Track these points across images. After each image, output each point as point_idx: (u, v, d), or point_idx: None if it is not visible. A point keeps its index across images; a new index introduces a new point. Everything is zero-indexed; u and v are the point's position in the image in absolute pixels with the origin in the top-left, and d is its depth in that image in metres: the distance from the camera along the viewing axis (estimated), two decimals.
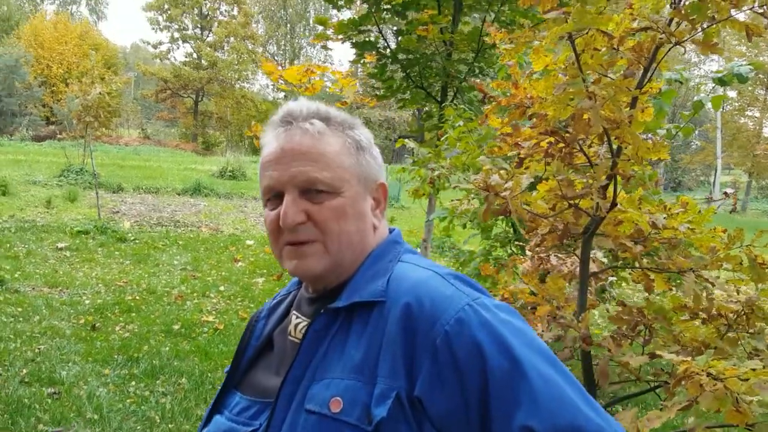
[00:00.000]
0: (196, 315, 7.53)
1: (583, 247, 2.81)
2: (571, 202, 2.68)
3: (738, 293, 2.94)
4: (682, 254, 2.85)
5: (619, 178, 2.69)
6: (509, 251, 6.72)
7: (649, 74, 2.72)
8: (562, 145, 2.75)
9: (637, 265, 2.99)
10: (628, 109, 2.71)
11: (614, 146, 2.72)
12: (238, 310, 7.85)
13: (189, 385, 5.53)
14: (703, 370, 2.08)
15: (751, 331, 2.81)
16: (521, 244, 6.28)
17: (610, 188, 2.68)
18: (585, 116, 2.68)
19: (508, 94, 3.11)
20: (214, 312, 7.74)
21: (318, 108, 1.30)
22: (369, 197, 1.31)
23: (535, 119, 2.80)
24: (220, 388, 1.37)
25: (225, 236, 12.74)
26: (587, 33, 2.56)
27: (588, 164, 2.82)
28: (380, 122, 40.84)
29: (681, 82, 3.68)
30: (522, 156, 2.59)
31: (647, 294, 3.01)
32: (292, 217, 1.21)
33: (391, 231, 1.38)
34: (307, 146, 1.24)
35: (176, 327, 7.04)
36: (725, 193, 3.79)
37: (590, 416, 1.06)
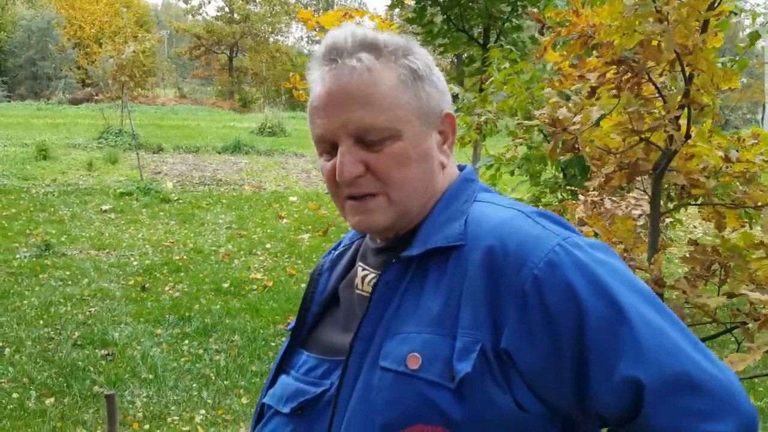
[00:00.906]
0: (244, 273, 7.52)
1: (654, 184, 2.63)
2: (642, 136, 2.50)
3: None
4: (758, 188, 2.66)
5: (691, 108, 2.50)
6: (560, 197, 6.52)
7: None
8: (629, 75, 2.55)
9: (708, 201, 2.81)
10: (699, 33, 2.50)
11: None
12: (286, 267, 7.84)
13: (242, 342, 5.53)
14: None
15: None
16: (573, 188, 6.07)
17: (682, 121, 2.49)
18: (654, 42, 2.48)
19: (567, 23, 2.89)
20: (261, 269, 7.73)
21: (365, 36, 1.13)
22: (434, 133, 1.15)
23: (599, 49, 2.59)
24: (284, 346, 1.28)
25: (268, 193, 12.71)
26: None
27: (657, 95, 2.63)
28: None
29: (736, 13, 3.41)
30: (594, 85, 2.39)
31: (717, 232, 2.84)
32: (349, 171, 1.08)
33: (461, 168, 1.24)
34: (357, 87, 1.09)
35: (225, 285, 7.04)
36: None
37: (702, 364, 0.95)
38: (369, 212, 1.11)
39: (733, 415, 0.93)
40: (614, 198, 3.24)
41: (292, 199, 12.07)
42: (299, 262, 8.10)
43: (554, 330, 0.98)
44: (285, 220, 10.35)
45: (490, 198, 1.18)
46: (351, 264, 1.27)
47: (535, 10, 8.60)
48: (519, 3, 8.45)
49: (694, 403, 0.93)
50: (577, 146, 2.23)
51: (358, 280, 1.20)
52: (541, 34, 2.86)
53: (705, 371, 0.94)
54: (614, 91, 2.51)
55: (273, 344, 5.49)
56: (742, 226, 2.84)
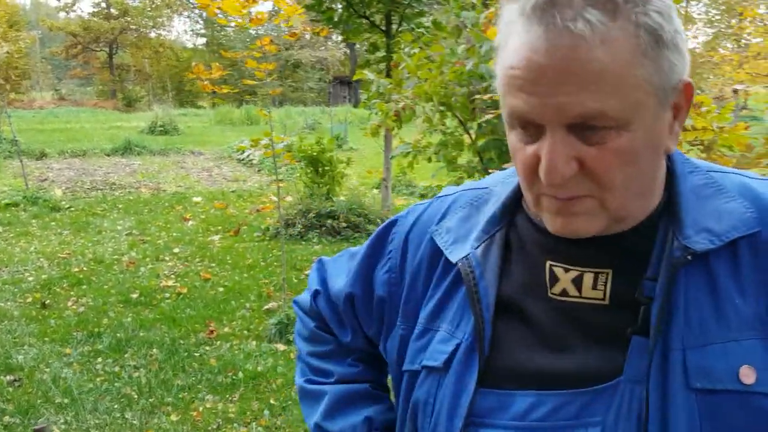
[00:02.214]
0: (153, 281, 7.11)
1: None
2: None
3: None
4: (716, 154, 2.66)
5: None
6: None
7: None
8: None
9: None
10: None
11: None
12: (199, 271, 7.47)
13: (162, 356, 5.19)
14: None
15: None
16: (491, 171, 6.05)
17: None
18: None
19: None
20: (173, 276, 7.34)
21: None
22: (668, 110, 0.87)
23: None
24: (446, 395, 0.96)
25: (168, 195, 12.16)
26: None
27: None
28: (312, 63, 39.90)
29: None
30: None
31: None
32: (561, 171, 0.82)
33: None
34: (582, 60, 0.78)
35: (134, 296, 6.63)
36: (734, 90, 3.58)
37: None
38: (574, 216, 0.87)
39: None
40: None
41: (196, 199, 11.59)
42: (213, 264, 7.75)
43: None
44: (191, 222, 9.91)
45: (713, 166, 0.99)
46: (503, 262, 0.99)
47: None
48: None
49: None
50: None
51: (564, 285, 0.93)
52: (485, 6, 2.73)
53: None
54: None
55: (196, 355, 5.18)
56: None
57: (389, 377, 1.17)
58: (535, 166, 0.85)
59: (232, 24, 5.89)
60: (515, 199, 1.02)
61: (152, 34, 46.91)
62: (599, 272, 0.91)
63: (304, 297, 1.27)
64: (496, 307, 0.96)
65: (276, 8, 5.78)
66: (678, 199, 0.91)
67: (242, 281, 7.11)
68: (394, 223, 1.16)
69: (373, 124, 5.45)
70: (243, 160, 15.28)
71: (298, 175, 10.32)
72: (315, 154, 9.49)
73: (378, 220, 8.94)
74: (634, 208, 0.90)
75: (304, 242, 8.63)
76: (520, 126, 0.85)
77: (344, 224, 8.92)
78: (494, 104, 5.60)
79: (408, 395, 1.03)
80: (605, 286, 0.91)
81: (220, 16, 5.53)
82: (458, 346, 0.96)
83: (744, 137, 2.35)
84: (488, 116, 4.50)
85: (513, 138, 0.88)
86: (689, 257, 0.86)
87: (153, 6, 45.41)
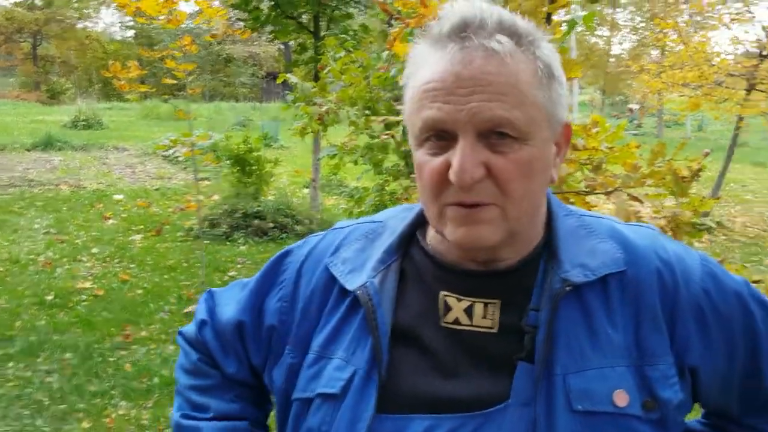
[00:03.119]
0: (69, 282, 6.92)
1: None
2: None
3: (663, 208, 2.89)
4: (604, 174, 2.76)
5: None
6: (404, 184, 6.57)
7: None
8: None
9: (563, 188, 2.88)
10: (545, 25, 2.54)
11: None
12: (117, 272, 7.31)
13: (75, 360, 5.07)
14: None
15: None
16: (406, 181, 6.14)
17: None
18: None
19: (415, 14, 2.84)
20: (90, 277, 7.15)
21: (501, 16, 0.93)
22: (553, 144, 0.99)
23: None
24: (340, 420, 0.99)
25: (89, 192, 11.82)
26: None
27: None
28: (245, 58, 39.35)
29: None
30: None
31: None
32: (471, 173, 0.89)
33: None
34: (494, 74, 0.89)
35: (49, 297, 6.44)
36: (630, 109, 3.74)
37: None
38: (479, 224, 0.93)
39: None
40: None
41: (117, 197, 11.31)
42: (132, 266, 7.59)
43: (730, 335, 1.02)
44: (111, 221, 9.67)
45: (583, 212, 1.11)
46: (398, 292, 1.04)
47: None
48: None
49: None
50: None
51: (457, 314, 1.00)
52: (389, 25, 2.78)
53: None
54: None
55: (111, 359, 5.08)
56: (589, 210, 2.93)
57: (271, 413, 1.20)
58: (444, 173, 0.91)
59: (153, 24, 5.78)
60: (410, 232, 1.10)
61: (79, 26, 45.49)
62: (489, 302, 0.99)
63: (190, 328, 1.26)
64: (392, 335, 1.01)
65: (198, 9, 5.71)
66: (556, 238, 1.01)
67: (162, 283, 6.99)
68: (288, 253, 1.19)
69: (298, 126, 5.45)
70: (168, 156, 14.96)
71: (224, 174, 10.20)
72: (242, 153, 9.39)
73: (306, 221, 8.92)
74: (522, 228, 0.98)
75: (229, 243, 8.54)
76: (434, 136, 0.93)
77: (271, 225, 8.86)
78: None
79: (298, 424, 1.06)
80: (494, 315, 0.99)
81: (139, 15, 5.41)
82: (355, 373, 1.00)
83: (632, 156, 2.46)
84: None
85: (421, 154, 0.95)
86: (568, 288, 0.96)
87: None
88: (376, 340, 0.99)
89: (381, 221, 1.14)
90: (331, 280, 1.09)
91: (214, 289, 1.29)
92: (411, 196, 4.71)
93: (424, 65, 0.94)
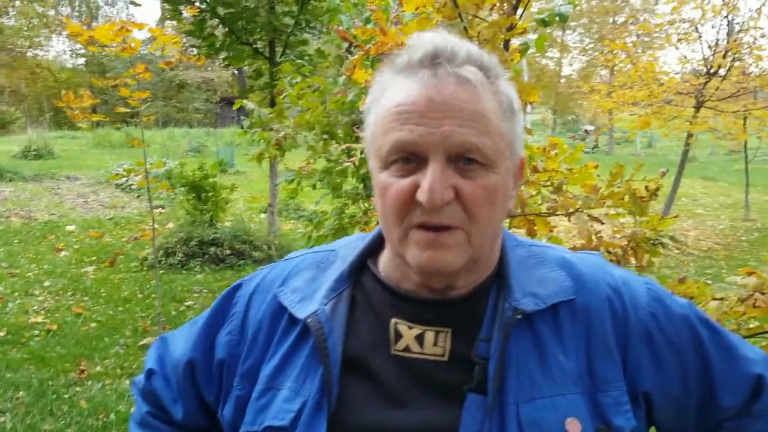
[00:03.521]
0: (21, 317, 6.72)
1: None
2: None
3: (623, 228, 2.93)
4: (565, 195, 2.78)
5: None
6: (363, 207, 6.57)
7: (520, 14, 2.59)
8: None
9: (525, 211, 2.90)
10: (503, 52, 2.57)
11: None
12: (71, 306, 7.12)
13: (29, 398, 4.90)
14: None
15: (637, 263, 2.80)
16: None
17: None
18: None
19: (374, 42, 2.84)
20: (42, 311, 6.96)
21: (470, 49, 0.96)
22: (511, 175, 1.01)
23: None
24: None
25: (40, 224, 11.52)
26: None
27: None
28: (198, 84, 39.08)
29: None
30: None
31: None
32: (442, 193, 0.90)
33: None
34: (465, 101, 0.92)
35: (1, 334, 6.24)
36: (585, 131, 3.79)
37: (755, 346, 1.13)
38: (444, 248, 0.93)
39: None
40: None
41: (69, 228, 11.05)
42: (86, 298, 7.41)
43: (681, 359, 1.03)
44: (64, 253, 9.44)
45: (535, 242, 1.14)
46: (349, 320, 1.03)
47: (318, 25, 8.61)
48: (302, 17, 8.40)
49: None
50: None
51: (407, 342, 1.00)
52: (349, 52, 2.78)
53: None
54: None
55: (66, 396, 4.93)
56: (551, 231, 2.95)
57: None
58: (411, 195, 0.92)
59: (108, 52, 5.70)
60: (362, 260, 1.09)
61: (29, 54, 44.73)
62: (440, 331, 0.99)
63: (141, 377, 1.24)
64: (342, 364, 0.99)
65: (152, 36, 5.66)
66: (507, 268, 1.02)
67: (117, 315, 6.84)
68: (238, 287, 1.17)
69: (255, 152, 5.42)
70: (122, 185, 14.69)
71: (180, 201, 10.05)
72: (197, 180, 9.28)
73: (264, 246, 8.82)
74: (483, 254, 0.99)
75: (185, 271, 8.40)
76: (401, 159, 0.93)
77: (228, 251, 8.75)
78: None
79: None
80: (445, 343, 0.98)
81: (92, 44, 5.33)
82: (304, 404, 0.98)
83: (591, 178, 2.49)
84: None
85: (386, 176, 0.95)
86: (519, 317, 0.96)
87: (30, 26, 43.31)
88: (327, 369, 0.98)
89: (333, 250, 1.14)
90: (280, 309, 1.07)
91: (166, 334, 1.26)
92: (371, 219, 4.69)
93: (393, 90, 0.95)
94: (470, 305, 1.00)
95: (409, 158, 0.93)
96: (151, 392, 1.20)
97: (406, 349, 0.99)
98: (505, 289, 0.99)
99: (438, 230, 0.92)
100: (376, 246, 1.09)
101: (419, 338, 0.99)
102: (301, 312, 1.04)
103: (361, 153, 4.66)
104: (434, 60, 0.93)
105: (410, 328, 1.00)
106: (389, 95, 0.95)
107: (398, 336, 1.00)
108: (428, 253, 0.93)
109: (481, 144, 0.91)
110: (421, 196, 0.90)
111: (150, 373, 1.20)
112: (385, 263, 1.07)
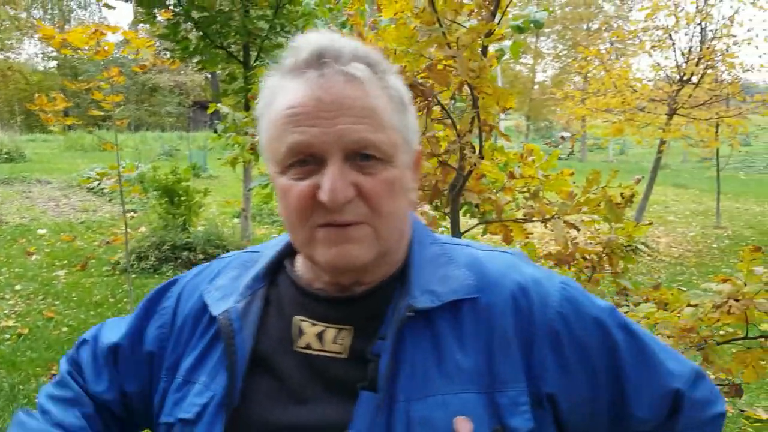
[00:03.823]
0: None
1: (452, 204, 2.67)
2: (441, 159, 2.52)
3: (598, 235, 2.95)
4: (541, 201, 2.80)
5: (481, 130, 2.56)
6: None
7: (498, 20, 2.60)
8: (420, 99, 2.56)
9: (498, 218, 2.91)
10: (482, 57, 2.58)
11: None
12: (42, 310, 7.03)
13: (0, 403, 4.82)
14: None
15: (612, 270, 2.82)
16: None
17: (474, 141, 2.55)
18: (440, 67, 2.51)
19: None
20: (13, 315, 6.86)
21: (356, 46, 0.96)
22: (409, 168, 1.02)
23: None
24: None
25: (11, 227, 11.34)
26: None
27: (446, 118, 2.67)
28: (171, 88, 38.80)
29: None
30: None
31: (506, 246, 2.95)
32: (343, 192, 0.91)
33: None
34: (355, 97, 0.92)
35: None
36: (562, 137, 3.82)
37: (686, 359, 1.10)
38: (351, 242, 0.94)
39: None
40: None
41: (40, 231, 10.89)
42: (57, 302, 7.31)
43: (590, 362, 1.00)
44: (35, 257, 9.30)
45: (452, 239, 1.13)
46: (262, 318, 1.05)
47: (292, 29, 8.60)
48: (277, 21, 8.39)
49: (706, 387, 1.08)
50: None
51: (309, 339, 1.01)
52: None
53: (692, 362, 1.10)
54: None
55: (37, 401, 4.85)
56: (527, 237, 2.97)
57: None
58: (313, 196, 0.92)
59: (81, 55, 5.65)
60: (279, 260, 1.11)
61: (0, 57, 44.11)
62: (342, 328, 1.00)
63: (72, 349, 1.26)
64: (251, 362, 1.01)
65: (125, 39, 5.61)
66: (411, 266, 1.02)
67: (88, 320, 6.74)
68: (174, 282, 1.19)
69: (229, 156, 5.39)
70: (93, 189, 14.53)
71: (152, 205, 9.95)
72: (170, 184, 9.20)
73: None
74: (391, 247, 1.00)
75: (157, 276, 8.32)
76: (299, 161, 0.93)
77: (201, 256, 8.68)
78: None
79: None
80: (345, 341, 0.99)
81: (66, 47, 5.27)
82: (212, 398, 1.00)
83: (567, 184, 2.51)
84: None
85: (285, 180, 0.95)
86: (410, 314, 0.96)
87: (2, 28, 42.72)
88: (232, 366, 0.99)
89: (260, 251, 1.16)
90: (204, 306, 1.09)
91: (109, 319, 1.28)
92: None
93: (282, 94, 0.95)
94: (373, 303, 1.01)
95: (306, 160, 0.93)
96: (76, 359, 1.21)
97: (308, 346, 1.00)
98: (405, 288, 0.99)
99: (344, 226, 0.93)
100: (293, 246, 1.09)
101: (320, 335, 1.00)
102: (217, 309, 1.06)
103: None
104: (320, 59, 0.93)
105: (313, 325, 1.01)
106: (280, 99, 0.95)
107: (300, 333, 1.01)
108: (336, 249, 0.94)
109: (376, 140, 0.93)
110: (323, 196, 0.91)
111: (82, 343, 1.22)
112: (301, 263, 1.09)
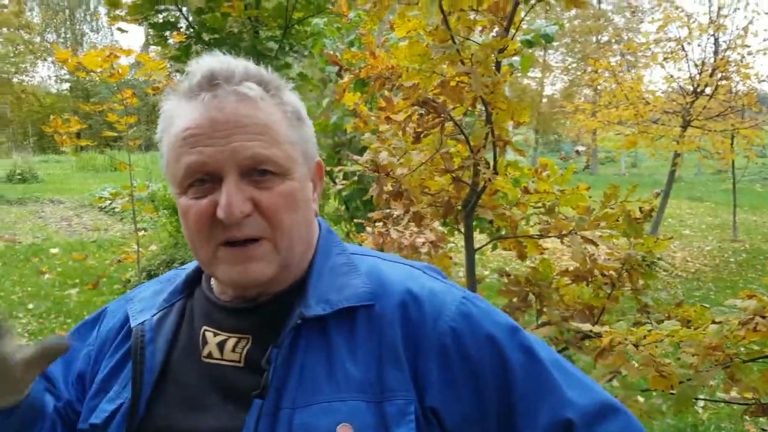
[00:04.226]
0: None
1: (465, 220, 2.64)
2: (454, 175, 2.49)
3: (617, 250, 2.90)
4: (557, 217, 2.76)
5: (495, 145, 2.54)
6: (345, 228, 6.55)
7: (512, 34, 2.58)
8: (433, 115, 2.53)
9: (512, 234, 2.87)
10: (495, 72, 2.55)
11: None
12: (54, 328, 7.03)
13: None
14: (625, 339, 1.99)
15: (632, 286, 2.77)
16: (359, 221, 6.15)
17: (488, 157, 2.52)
18: (453, 83, 2.49)
19: (364, 65, 2.82)
20: (26, 334, 6.86)
21: (247, 67, 1.00)
22: (310, 180, 1.07)
23: (402, 91, 2.54)
24: None
25: (24, 247, 11.41)
26: None
27: (459, 134, 2.64)
28: None
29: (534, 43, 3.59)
30: (418, 130, 2.32)
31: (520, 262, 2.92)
32: (240, 207, 0.93)
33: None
34: (249, 116, 0.96)
35: None
36: (576, 152, 3.78)
37: (601, 390, 1.04)
38: (252, 261, 0.97)
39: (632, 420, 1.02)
40: (398, 228, 3.24)
41: (53, 251, 10.94)
42: (69, 321, 7.31)
43: (478, 380, 0.98)
44: (47, 276, 9.32)
45: (364, 251, 1.14)
46: (176, 329, 1.09)
47: (301, 49, 8.63)
48: (286, 41, 8.44)
49: (615, 425, 0.99)
50: (403, 190, 2.13)
51: (211, 348, 1.04)
52: (339, 76, 2.76)
53: (609, 396, 1.02)
54: (426, 131, 2.48)
55: None
56: (542, 253, 2.92)
57: None
58: (212, 214, 0.95)
59: (94, 77, 5.70)
60: (197, 273, 1.16)
61: (14, 80, 44.57)
62: (241, 337, 1.03)
63: None
64: (162, 371, 1.04)
65: (137, 61, 5.64)
66: (310, 275, 1.04)
67: None
68: (106, 306, 1.24)
69: None
70: (105, 208, 14.63)
71: (162, 224, 9.98)
72: None
73: None
74: (294, 258, 1.01)
75: None
76: (197, 181, 0.96)
77: None
78: (361, 152, 5.66)
79: None
80: (243, 350, 1.01)
81: (80, 70, 5.31)
82: (120, 405, 1.03)
83: (583, 199, 2.47)
84: (355, 166, 4.58)
85: (185, 200, 0.98)
86: (299, 321, 0.98)
87: (16, 52, 43.20)
88: (138, 374, 1.03)
89: (186, 267, 1.20)
90: (127, 319, 1.14)
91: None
92: (352, 241, 4.64)
93: (179, 117, 0.99)
94: (271, 312, 1.03)
95: (203, 179, 0.96)
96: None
97: (209, 355, 1.03)
98: (302, 297, 1.01)
99: (245, 244, 0.96)
100: None
101: (221, 345, 1.03)
102: (135, 321, 1.10)
103: (344, 176, 4.63)
104: (212, 81, 0.97)
105: (215, 335, 1.04)
106: (177, 122, 0.98)
107: (205, 343, 1.04)
108: (238, 267, 0.97)
109: (271, 155, 0.96)
110: (220, 212, 0.93)
111: None
112: None
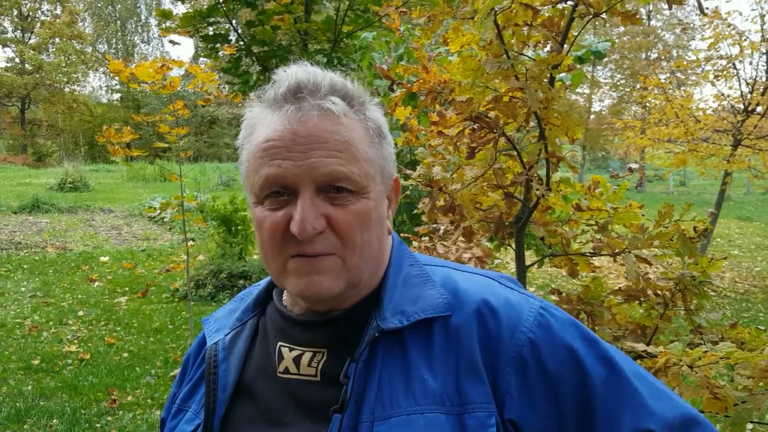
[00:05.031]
0: (55, 346, 6.78)
1: (517, 236, 2.63)
2: (507, 191, 2.49)
3: (671, 270, 2.85)
4: (610, 235, 2.73)
5: (549, 161, 2.53)
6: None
7: (565, 50, 2.57)
8: (485, 131, 2.54)
9: (564, 252, 2.85)
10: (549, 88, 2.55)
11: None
12: (103, 336, 7.17)
13: (62, 427, 4.92)
14: (680, 360, 1.96)
15: (687, 308, 2.73)
16: (406, 235, 6.17)
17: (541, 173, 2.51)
18: (506, 98, 2.50)
19: (417, 80, 2.85)
20: (75, 341, 7.01)
21: (333, 80, 1.00)
22: (385, 196, 1.06)
23: (454, 105, 2.56)
24: None
25: (75, 255, 11.69)
26: (509, 7, 2.37)
27: (511, 149, 2.64)
28: (229, 120, 39.67)
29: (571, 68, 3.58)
30: (473, 145, 2.33)
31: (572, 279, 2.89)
32: (313, 224, 0.94)
33: None
34: (330, 131, 0.95)
35: (36, 362, 6.29)
36: (630, 169, 3.75)
37: (684, 402, 1.01)
38: (321, 274, 0.96)
39: None
40: (445, 243, 3.24)
41: (103, 259, 11.18)
42: (118, 328, 7.45)
43: (556, 392, 0.96)
44: (97, 283, 9.54)
45: (436, 262, 1.12)
46: (250, 347, 1.10)
47: (350, 63, 8.70)
48: (334, 55, 8.51)
49: None
50: (455, 205, 2.14)
51: (287, 363, 1.04)
52: (391, 90, 2.79)
53: (691, 408, 1.00)
54: (479, 147, 2.49)
55: (98, 426, 4.93)
56: (593, 272, 2.90)
57: None
58: (285, 227, 0.95)
59: (146, 88, 5.83)
60: (268, 291, 1.16)
61: (66, 89, 45.80)
62: (316, 351, 1.02)
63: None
64: (236, 389, 1.05)
65: (188, 73, 5.75)
66: (384, 288, 1.03)
67: (148, 346, 6.86)
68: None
69: None
70: (154, 217, 14.91)
71: (210, 234, 10.11)
72: (228, 213, 9.35)
73: None
74: (363, 276, 1.01)
75: (215, 303, 8.42)
76: (274, 193, 0.97)
77: None
78: (412, 165, 5.67)
79: None
80: (318, 364, 1.01)
81: (133, 81, 5.44)
82: (198, 426, 1.04)
83: (637, 217, 2.45)
84: (409, 181, 4.61)
85: (260, 211, 0.99)
86: (377, 334, 0.97)
87: (68, 62, 44.38)
88: (211, 394, 1.04)
89: (259, 284, 1.21)
90: (203, 339, 1.16)
91: None
92: None
93: (261, 126, 0.99)
94: (346, 326, 1.02)
95: (280, 192, 0.96)
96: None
97: (286, 370, 1.03)
98: (378, 310, 1.00)
99: (314, 256, 0.96)
100: None
101: (297, 359, 1.03)
102: (210, 341, 1.11)
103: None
104: (297, 94, 0.97)
105: (291, 350, 1.04)
106: (258, 131, 0.99)
107: (281, 358, 1.04)
108: (306, 279, 0.97)
109: (349, 172, 0.95)
110: (294, 227, 0.93)
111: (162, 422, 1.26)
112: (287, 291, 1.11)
